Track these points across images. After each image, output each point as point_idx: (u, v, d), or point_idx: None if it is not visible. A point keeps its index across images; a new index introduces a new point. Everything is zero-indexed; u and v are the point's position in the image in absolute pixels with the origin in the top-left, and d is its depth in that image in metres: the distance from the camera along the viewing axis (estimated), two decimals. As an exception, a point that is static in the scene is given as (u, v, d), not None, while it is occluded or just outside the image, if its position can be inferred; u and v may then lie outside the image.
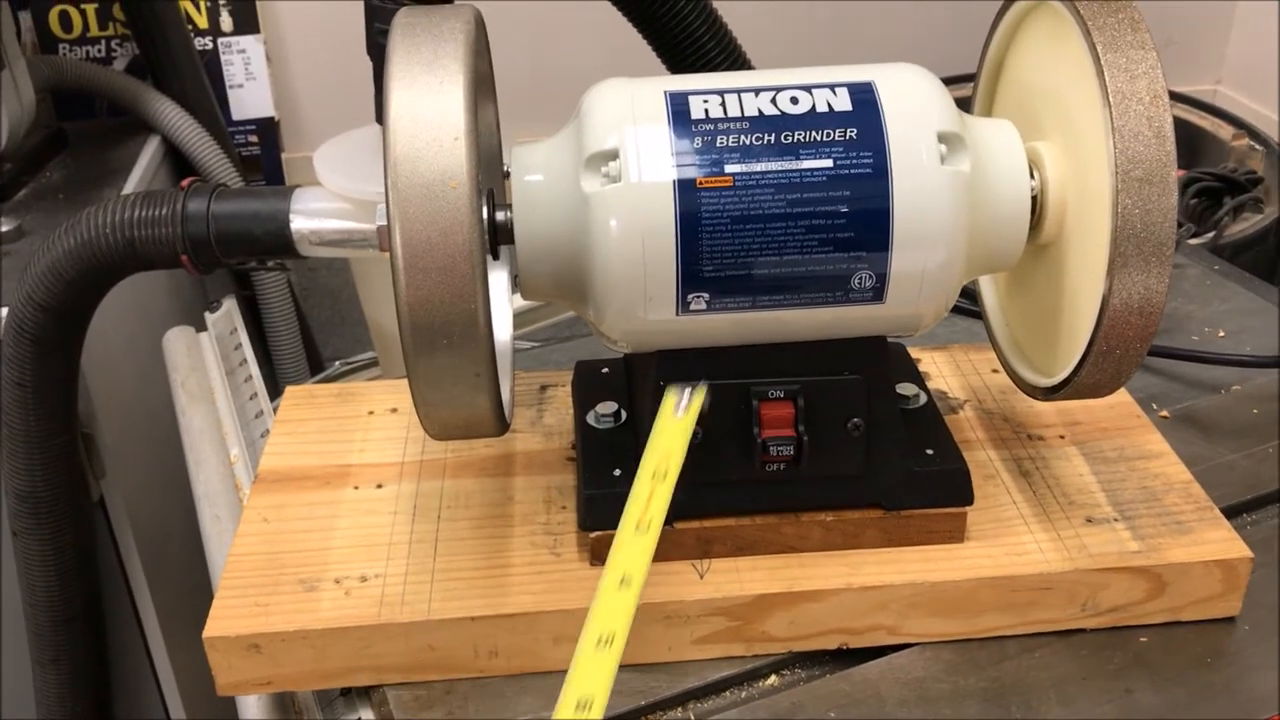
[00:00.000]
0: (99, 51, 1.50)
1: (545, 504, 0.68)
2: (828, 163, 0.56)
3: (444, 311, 0.52)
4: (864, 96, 0.58)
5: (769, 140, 0.57)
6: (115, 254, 0.71)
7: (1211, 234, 1.46)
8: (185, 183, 0.70)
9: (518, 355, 0.98)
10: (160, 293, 1.32)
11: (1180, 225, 1.47)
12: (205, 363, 0.96)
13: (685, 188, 0.56)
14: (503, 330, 0.69)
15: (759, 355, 0.61)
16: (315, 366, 1.57)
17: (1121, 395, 0.75)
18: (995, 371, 0.78)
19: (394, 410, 0.76)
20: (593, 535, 0.63)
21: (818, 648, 0.64)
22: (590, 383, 0.71)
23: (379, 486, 0.70)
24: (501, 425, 0.59)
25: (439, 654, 0.62)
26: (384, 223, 0.55)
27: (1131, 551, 0.64)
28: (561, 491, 0.69)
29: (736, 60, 0.98)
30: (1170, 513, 0.67)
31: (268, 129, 1.66)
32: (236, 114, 1.64)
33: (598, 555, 0.63)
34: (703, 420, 0.61)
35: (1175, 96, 1.80)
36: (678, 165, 0.56)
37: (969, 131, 0.59)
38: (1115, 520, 0.66)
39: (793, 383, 0.61)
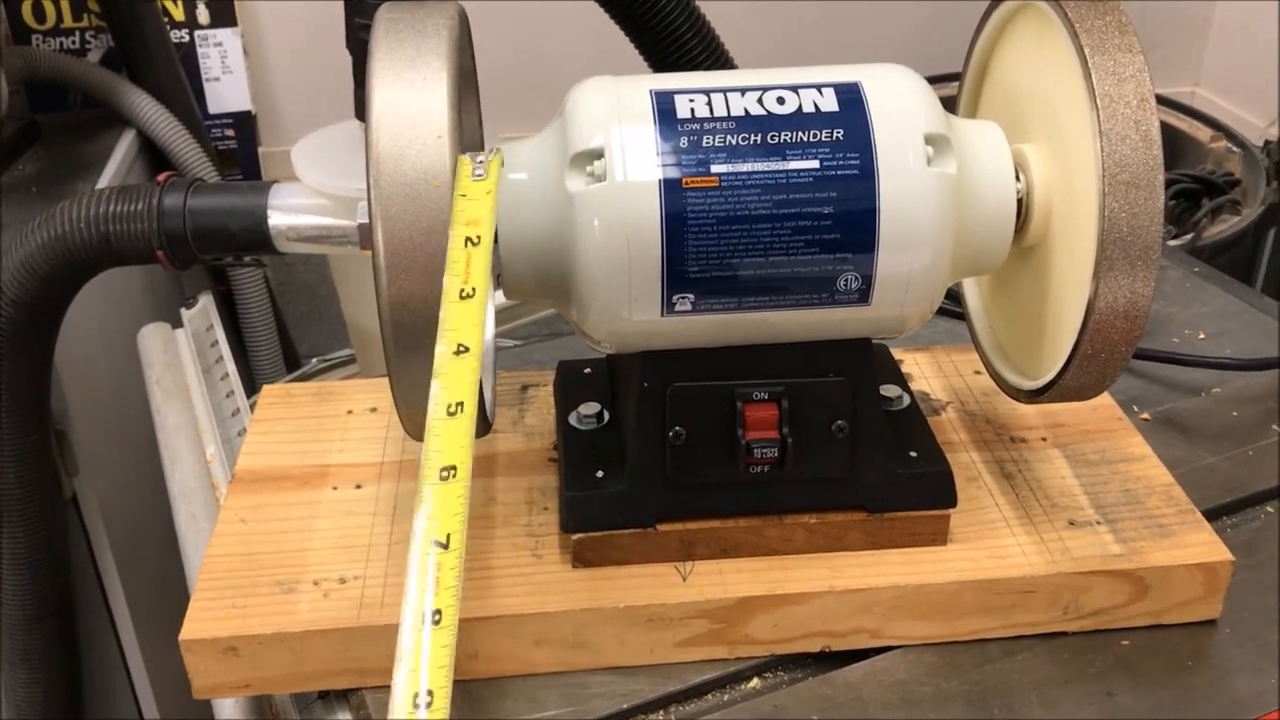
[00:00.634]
0: (73, 43, 1.48)
1: (527, 505, 0.67)
2: (814, 164, 0.56)
3: (427, 311, 0.52)
4: (851, 97, 0.57)
5: (755, 140, 0.56)
6: (90, 249, 0.70)
7: (1190, 236, 1.47)
8: (161, 177, 0.69)
9: (499, 354, 0.98)
10: (135, 288, 1.30)
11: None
12: (181, 360, 0.95)
13: (671, 187, 0.56)
14: (485, 329, 0.68)
15: (743, 356, 0.61)
16: (291, 363, 1.56)
17: (1104, 398, 0.75)
18: (978, 373, 0.77)
19: (373, 410, 0.75)
20: (575, 537, 0.63)
21: (800, 650, 0.63)
22: (572, 383, 0.71)
23: (358, 487, 0.69)
24: (483, 426, 0.58)
25: (419, 657, 0.61)
26: (365, 220, 0.54)
27: (1114, 555, 0.64)
28: (543, 493, 0.68)
29: (720, 60, 0.98)
30: (1152, 516, 0.67)
31: (245, 123, 1.65)
32: (213, 107, 1.62)
33: (580, 557, 0.63)
34: (686, 422, 0.61)
35: (1153, 98, 1.81)
36: (663, 165, 0.56)
37: (955, 133, 0.58)
38: (1097, 523, 0.66)
39: (777, 384, 0.61)
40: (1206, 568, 0.64)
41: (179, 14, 1.56)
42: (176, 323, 1.05)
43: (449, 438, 0.47)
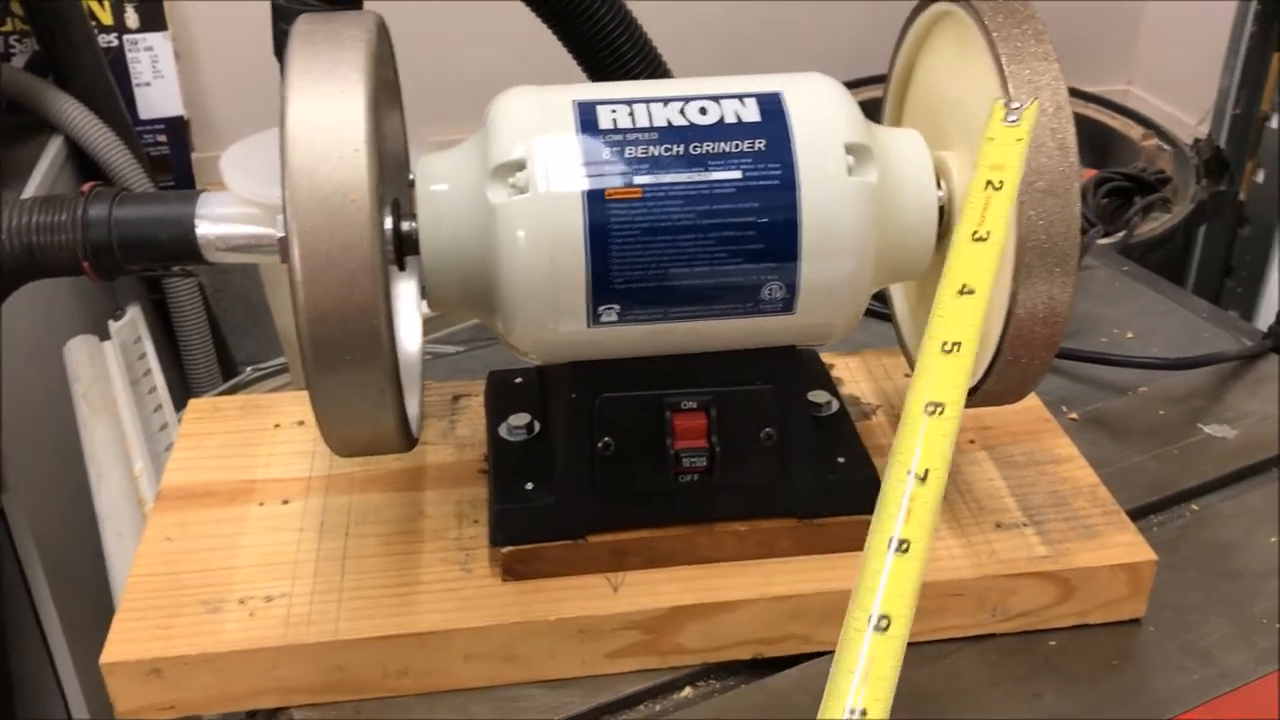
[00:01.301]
0: (-3, 48, 1.45)
1: (457, 518, 0.67)
2: (737, 174, 0.56)
3: (345, 327, 0.51)
4: (772, 107, 0.58)
5: (678, 151, 0.56)
6: (13, 262, 0.68)
7: (1122, 233, 1.49)
8: (86, 187, 0.68)
9: (436, 362, 0.97)
10: (66, 298, 1.28)
11: (1091, 225, 1.49)
12: (109, 373, 0.93)
13: (594, 199, 0.56)
14: (411, 341, 0.68)
15: (671, 366, 0.61)
16: (228, 371, 1.54)
17: (1031, 399, 0.75)
18: (907, 376, 0.78)
19: (301, 423, 0.74)
20: (505, 550, 0.62)
21: (732, 658, 0.63)
22: (503, 393, 0.70)
23: (285, 502, 0.68)
24: (407, 441, 0.58)
25: (347, 674, 0.60)
26: (284, 234, 0.53)
27: (1040, 556, 0.65)
28: (474, 505, 0.68)
29: (655, 68, 0.97)
30: (1078, 517, 0.67)
31: (177, 128, 1.63)
32: (144, 113, 1.60)
33: (510, 570, 0.62)
34: (615, 432, 0.61)
35: (1086, 97, 1.84)
36: (586, 176, 0.56)
37: (877, 142, 0.59)
38: (1024, 525, 0.67)
39: (705, 393, 0.61)
40: (1131, 568, 0.64)
41: (107, 18, 1.54)
42: (106, 334, 1.03)
43: (941, 374, 0.46)
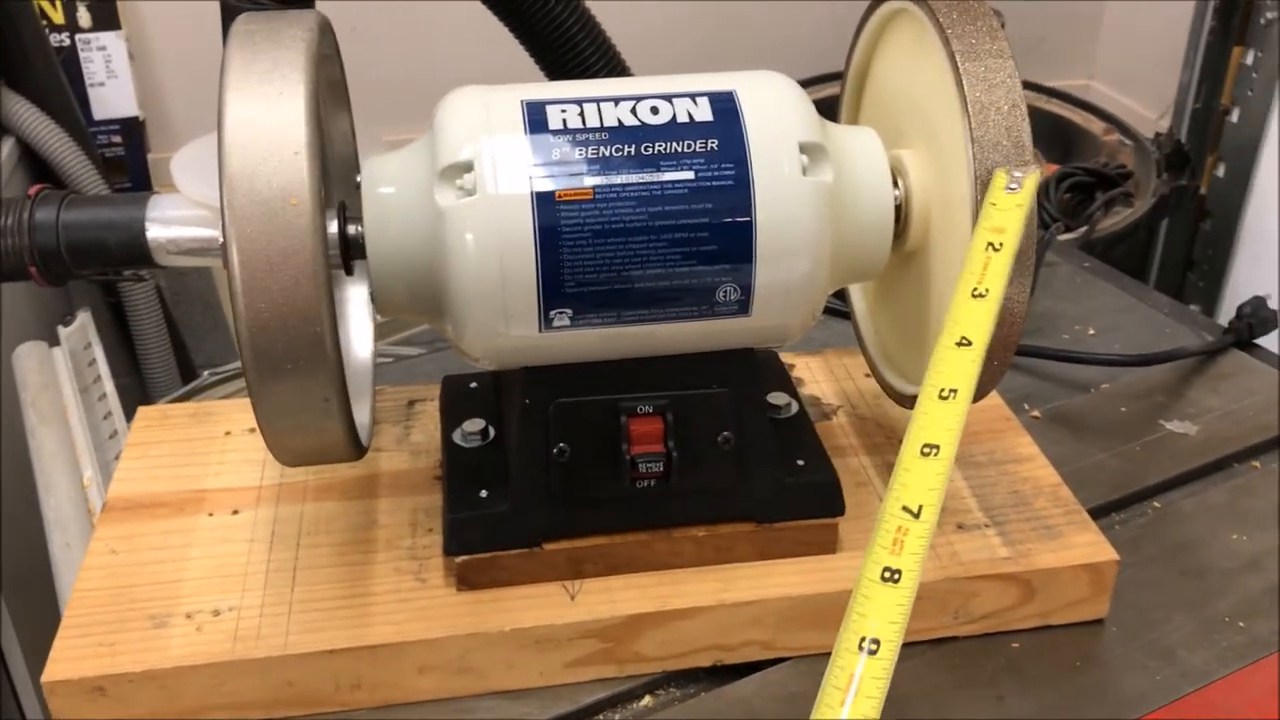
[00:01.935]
0: (-55, 48, 1.42)
1: (411, 527, 0.66)
2: (689, 175, 0.55)
3: (287, 335, 0.50)
4: (725, 106, 0.57)
5: (629, 151, 0.55)
6: (-42, 266, 0.67)
7: (1084, 229, 1.49)
8: (33, 190, 0.66)
9: (394, 365, 0.95)
10: (18, 302, 1.25)
11: (1053, 221, 1.50)
12: (58, 380, 0.91)
13: (544, 200, 0.54)
14: (362, 347, 0.66)
15: (626, 370, 0.60)
16: (188, 374, 1.51)
17: (992, 398, 0.75)
18: (868, 376, 0.77)
19: (252, 430, 0.73)
20: (459, 559, 0.61)
21: (692, 665, 0.63)
22: (458, 399, 0.69)
23: (235, 513, 0.67)
24: (356, 450, 0.56)
25: (298, 689, 0.59)
26: (223, 240, 0.52)
27: (1001, 558, 0.64)
28: (428, 513, 0.67)
29: (615, 67, 0.96)
30: (1039, 517, 0.67)
31: (132, 129, 1.60)
32: (98, 113, 1.57)
33: (465, 580, 0.61)
34: (570, 438, 0.60)
35: (1048, 92, 1.84)
36: (536, 177, 0.55)
37: (831, 141, 0.58)
38: (986, 526, 0.66)
39: (661, 397, 0.60)
40: (1092, 568, 0.64)
41: (58, 16, 1.51)
42: (57, 339, 1.01)
43: (937, 418, 0.49)
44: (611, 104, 0.57)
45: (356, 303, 0.66)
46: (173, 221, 0.65)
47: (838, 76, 0.64)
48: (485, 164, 0.54)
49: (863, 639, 0.44)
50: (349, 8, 0.62)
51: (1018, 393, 0.83)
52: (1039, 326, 0.92)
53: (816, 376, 0.79)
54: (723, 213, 0.55)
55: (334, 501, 0.67)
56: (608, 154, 0.55)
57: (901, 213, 0.60)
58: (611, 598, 0.61)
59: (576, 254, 0.55)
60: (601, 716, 0.61)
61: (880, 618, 0.44)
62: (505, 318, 0.56)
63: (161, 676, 0.57)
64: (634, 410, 0.60)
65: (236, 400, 0.81)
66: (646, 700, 0.62)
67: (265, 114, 0.50)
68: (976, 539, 0.65)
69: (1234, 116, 1.51)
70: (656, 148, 0.55)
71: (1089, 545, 0.65)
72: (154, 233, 0.64)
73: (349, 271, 0.57)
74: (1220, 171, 1.54)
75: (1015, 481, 0.70)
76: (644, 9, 1.04)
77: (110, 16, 1.53)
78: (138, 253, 0.65)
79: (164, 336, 1.45)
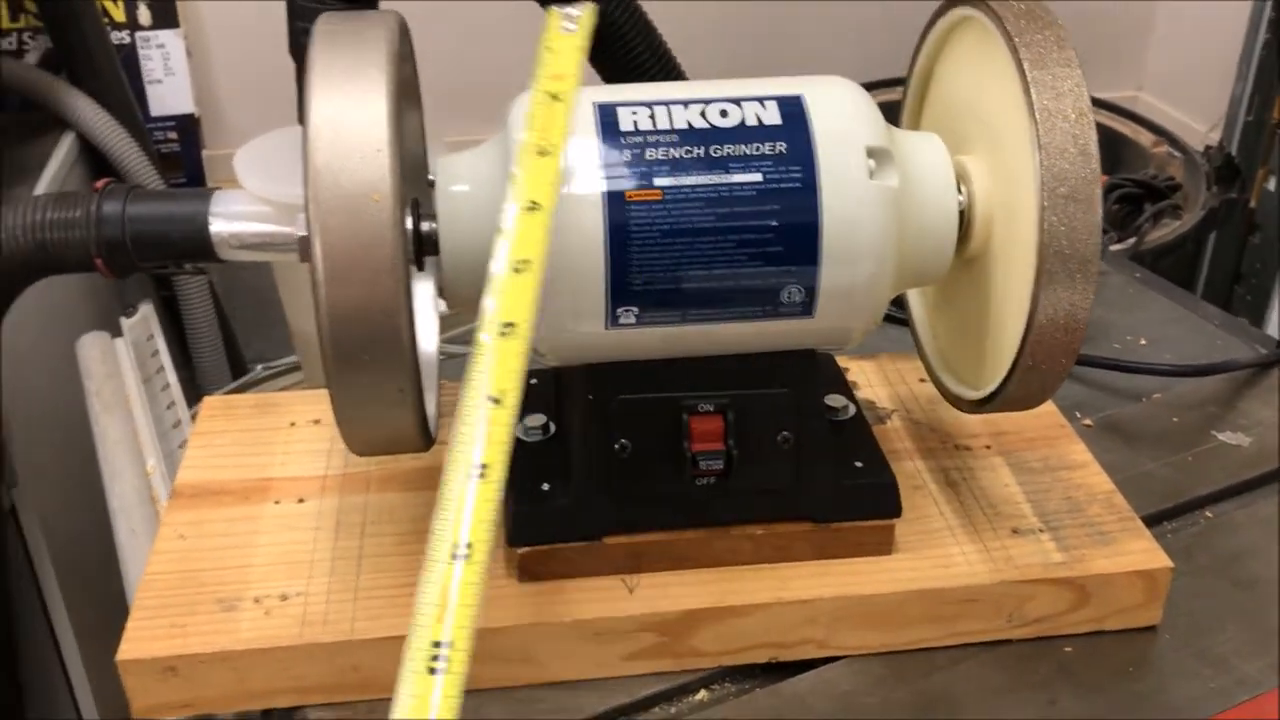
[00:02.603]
0: (10, 44, 1.45)
1: (472, 518, 0.67)
2: (757, 177, 0.56)
3: (366, 327, 0.51)
4: (793, 110, 0.57)
5: (698, 154, 0.56)
6: (26, 257, 0.69)
7: (1132, 240, 1.49)
8: (100, 184, 0.68)
9: (446, 362, 0.97)
10: (75, 295, 1.28)
11: (1104, 232, 1.49)
12: (121, 370, 0.93)
13: (614, 200, 0.56)
14: (428, 341, 0.68)
15: (689, 369, 0.61)
16: (237, 369, 1.54)
17: (1046, 405, 0.75)
18: (923, 381, 0.78)
19: (316, 422, 0.74)
20: (521, 551, 0.62)
21: (748, 661, 0.63)
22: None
23: (300, 501, 0.68)
24: (426, 441, 0.58)
25: (362, 674, 0.60)
26: (305, 233, 0.53)
27: (1056, 563, 0.64)
28: (489, 505, 0.68)
29: (671, 70, 0.97)
30: (1093, 523, 0.67)
31: (188, 126, 1.63)
32: (155, 110, 1.60)
33: (526, 571, 0.62)
34: (632, 434, 0.61)
35: (1097, 103, 1.83)
36: (607, 178, 0.56)
37: (897, 146, 0.59)
38: (1040, 531, 0.67)
39: (722, 396, 0.61)
40: (1146, 575, 0.64)
41: (119, 15, 1.54)
42: (117, 331, 1.03)
43: (513, 294, 0.47)
44: (681, 107, 0.58)
45: (423, 297, 0.67)
46: (235, 217, 0.67)
47: (885, 84, 0.65)
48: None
49: (454, 545, 0.43)
50: (403, 7, 0.63)
51: (1069, 400, 0.84)
52: (1090, 335, 0.92)
53: (870, 380, 0.79)
54: (789, 215, 0.56)
55: (396, 492, 0.69)
56: (677, 156, 0.56)
57: (965, 218, 0.60)
58: (669, 593, 0.62)
59: (645, 253, 0.56)
60: (658, 709, 0.62)
61: (473, 515, 0.43)
62: (573, 315, 0.57)
63: (232, 658, 0.59)
64: (695, 408, 0.61)
65: (300, 392, 0.83)
66: (702, 695, 0.63)
67: (349, 112, 0.51)
68: (1031, 543, 0.66)
69: (1286, 130, 1.50)
70: (725, 150, 0.56)
71: (1143, 552, 0.65)
72: (217, 227, 0.66)
73: (420, 267, 0.58)
74: (1271, 185, 1.54)
75: (1069, 488, 0.70)
76: (685, 12, 1.05)
77: (170, 15, 1.55)
78: (200, 246, 0.67)
79: (215, 330, 1.48)
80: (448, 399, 0.76)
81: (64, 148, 1.33)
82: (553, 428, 0.67)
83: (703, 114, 0.57)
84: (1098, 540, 0.66)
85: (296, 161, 0.83)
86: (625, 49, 0.98)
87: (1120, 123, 1.81)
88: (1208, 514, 0.75)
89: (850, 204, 0.56)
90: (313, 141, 0.51)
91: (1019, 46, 0.56)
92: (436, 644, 0.42)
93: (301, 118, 0.89)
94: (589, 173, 0.56)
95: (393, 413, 0.54)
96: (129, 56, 1.55)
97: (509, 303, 0.46)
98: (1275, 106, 1.49)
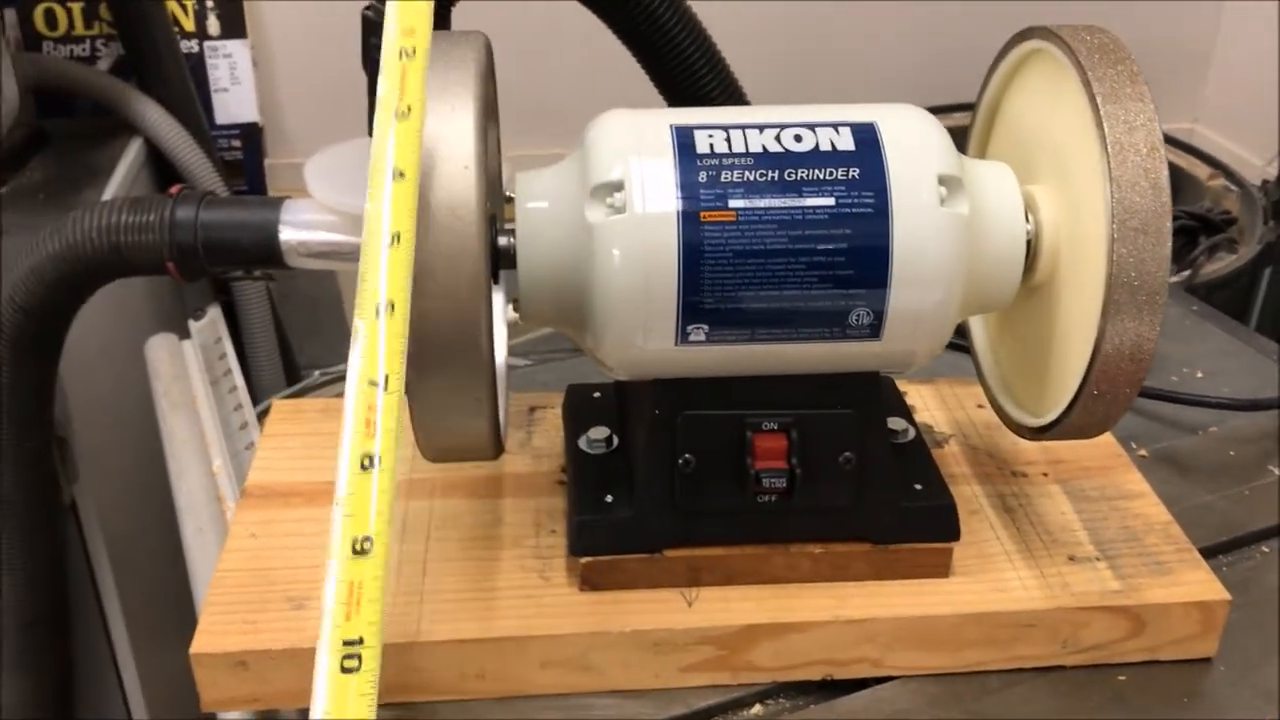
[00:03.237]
0: (83, 50, 1.49)
1: (534, 527, 0.68)
2: (830, 201, 0.57)
3: (447, 337, 0.53)
4: (866, 136, 0.59)
5: (773, 177, 0.57)
6: (100, 259, 0.71)
7: (1187, 273, 1.49)
8: (174, 189, 0.70)
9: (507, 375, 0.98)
10: (139, 298, 1.30)
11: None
12: (188, 371, 0.96)
13: (689, 220, 0.57)
14: (499, 353, 0.69)
15: (754, 387, 0.62)
16: (291, 374, 1.56)
17: (1104, 435, 0.76)
18: (980, 407, 0.78)
19: (383, 428, 0.76)
20: (583, 560, 0.63)
21: (803, 678, 0.64)
22: (582, 407, 0.72)
23: (368, 505, 0.70)
24: (497, 449, 0.59)
25: (425, 675, 0.62)
26: (389, 245, 0.55)
27: (1112, 591, 0.65)
28: (550, 515, 0.69)
29: (734, 94, 0.98)
30: (1150, 553, 0.68)
31: (251, 134, 1.66)
32: (220, 118, 1.63)
33: (588, 581, 0.64)
34: (696, 449, 0.62)
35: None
36: (682, 198, 0.57)
37: (967, 174, 0.60)
38: (1097, 559, 0.67)
39: (787, 415, 0.62)
40: (1204, 606, 0.65)
41: (189, 24, 1.57)
42: (181, 333, 1.05)
43: (390, 270, 0.47)
44: (756, 131, 0.59)
45: (496, 310, 0.69)
46: (304, 225, 0.69)
47: (939, 110, 0.65)
48: (635, 183, 0.57)
49: (355, 539, 0.43)
50: (469, 25, 0.64)
51: (1126, 431, 0.84)
52: (1147, 366, 0.92)
53: (928, 405, 0.80)
54: (861, 239, 0.57)
55: (461, 499, 0.70)
56: (752, 178, 0.58)
57: (1032, 247, 0.61)
58: (728, 607, 0.63)
59: (717, 273, 0.57)
60: (713, 721, 0.63)
61: (370, 513, 0.44)
62: (644, 331, 0.58)
63: (300, 656, 0.60)
64: (759, 426, 0.62)
65: (366, 398, 0.84)
66: (757, 709, 0.64)
67: (437, 128, 0.53)
68: (1087, 571, 0.66)
69: (1344, 166, 1.49)
70: (799, 174, 0.58)
71: (1200, 583, 0.66)
72: (286, 235, 0.67)
73: (496, 280, 0.60)
74: (1327, 221, 1.53)
75: (1126, 517, 0.71)
76: (735, 36, 1.07)
77: (238, 25, 1.59)
78: (269, 253, 0.68)
79: (272, 336, 1.50)
80: (511, 409, 0.78)
81: (132, 153, 1.36)
82: (616, 440, 0.68)
83: (777, 138, 0.58)
84: (1155, 570, 0.66)
85: (365, 172, 0.86)
86: (688, 71, 0.99)
87: (1176, 155, 1.80)
88: (1264, 549, 0.75)
89: (921, 230, 0.57)
90: (402, 156, 0.52)
91: (1092, 80, 0.57)
92: (348, 642, 0.43)
93: (374, 129, 0.90)
94: (664, 192, 0.57)
95: (469, 422, 0.56)
96: (197, 65, 1.58)
97: (393, 214, 0.46)
98: (1334, 142, 1.48)
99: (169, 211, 0.68)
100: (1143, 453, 0.83)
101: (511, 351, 1.11)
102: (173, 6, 1.55)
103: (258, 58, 1.65)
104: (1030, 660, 0.65)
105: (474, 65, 0.55)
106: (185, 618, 0.90)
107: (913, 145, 0.59)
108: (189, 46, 1.57)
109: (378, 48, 0.92)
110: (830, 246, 0.57)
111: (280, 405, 0.79)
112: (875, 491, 0.64)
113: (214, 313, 1.03)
